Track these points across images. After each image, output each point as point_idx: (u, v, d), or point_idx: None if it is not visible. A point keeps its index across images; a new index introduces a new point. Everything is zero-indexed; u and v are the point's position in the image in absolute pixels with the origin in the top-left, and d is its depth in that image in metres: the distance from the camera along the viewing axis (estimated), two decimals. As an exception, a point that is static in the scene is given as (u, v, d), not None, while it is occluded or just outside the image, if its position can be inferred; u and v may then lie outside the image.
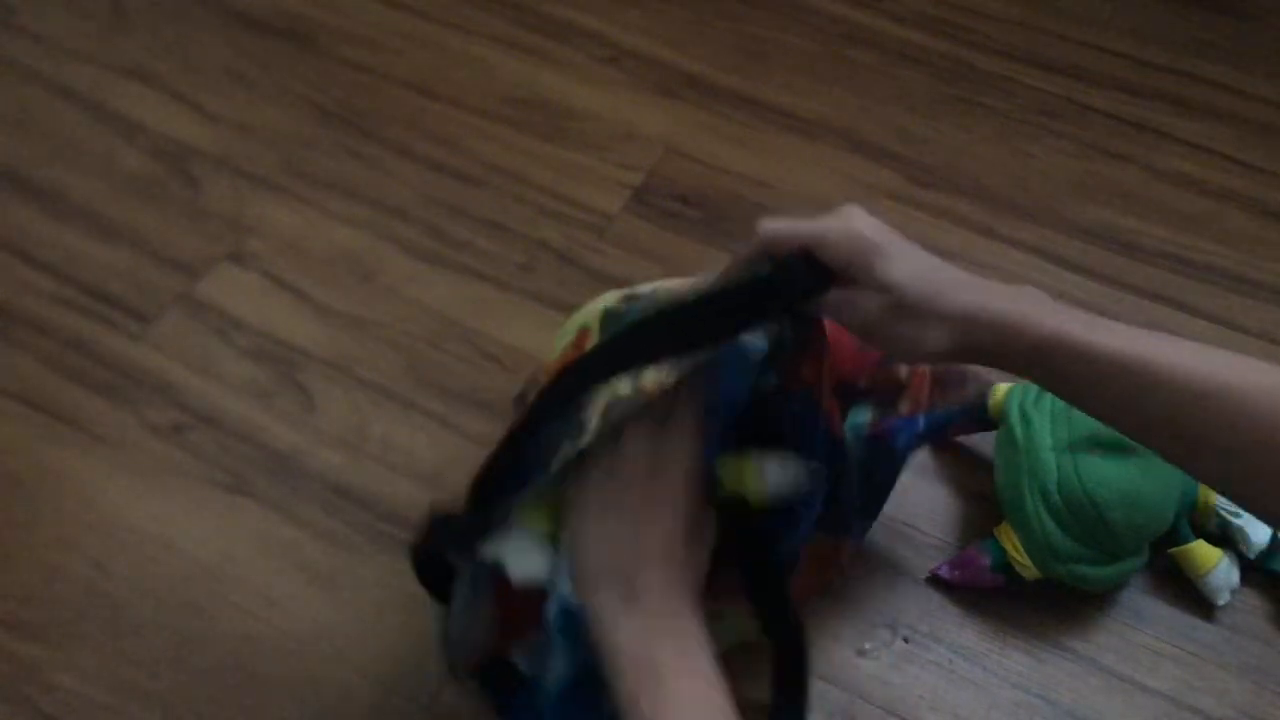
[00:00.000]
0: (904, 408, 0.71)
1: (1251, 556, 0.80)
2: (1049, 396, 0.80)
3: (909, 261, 0.52)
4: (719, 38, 1.22)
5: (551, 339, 0.92)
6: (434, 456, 0.86)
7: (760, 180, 1.08)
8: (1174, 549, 0.79)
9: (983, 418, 0.84)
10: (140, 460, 0.85)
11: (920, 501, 0.84)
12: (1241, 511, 0.80)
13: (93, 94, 1.12)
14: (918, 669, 0.77)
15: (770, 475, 0.59)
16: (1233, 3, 1.30)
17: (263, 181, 1.05)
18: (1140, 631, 0.79)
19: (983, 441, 0.87)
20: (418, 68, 1.16)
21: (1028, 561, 0.77)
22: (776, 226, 0.55)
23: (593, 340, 0.62)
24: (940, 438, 0.76)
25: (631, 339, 0.55)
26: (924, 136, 1.13)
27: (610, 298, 0.65)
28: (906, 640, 0.78)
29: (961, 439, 0.88)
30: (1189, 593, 0.80)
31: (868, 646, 0.77)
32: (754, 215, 1.04)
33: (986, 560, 0.78)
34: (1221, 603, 0.79)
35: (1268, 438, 0.46)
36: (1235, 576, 0.79)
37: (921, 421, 0.74)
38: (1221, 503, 0.81)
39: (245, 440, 0.86)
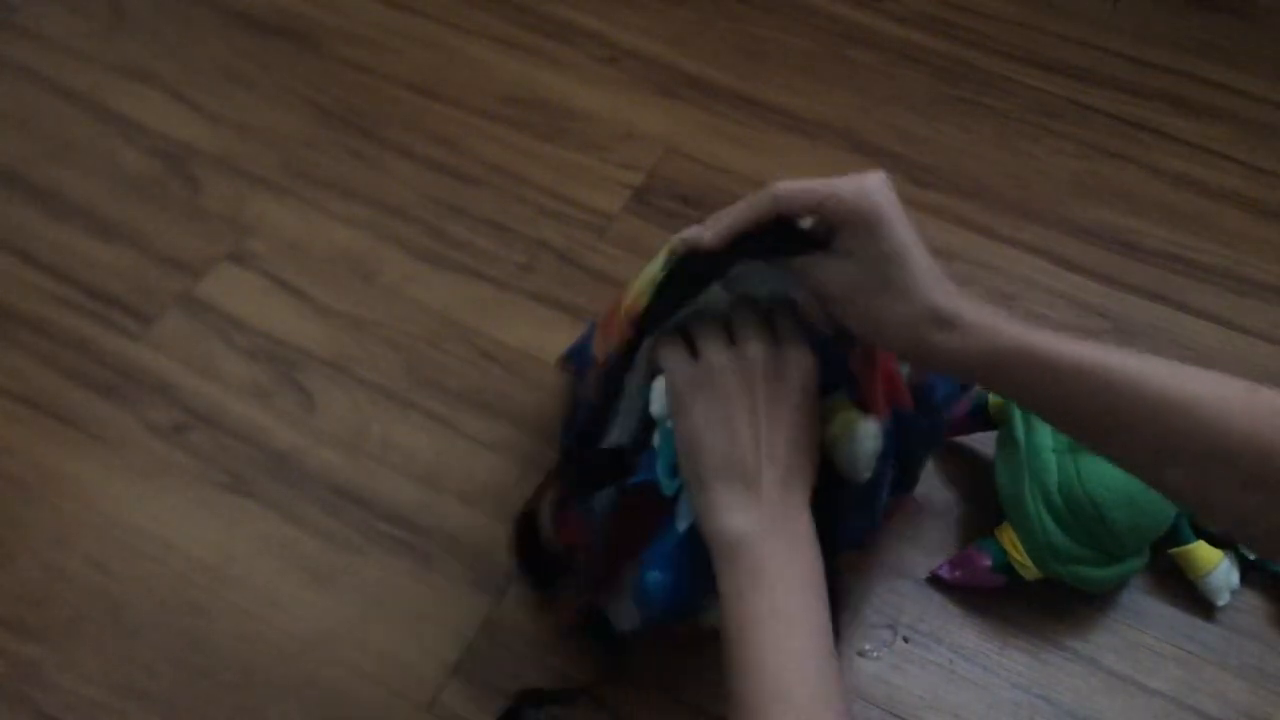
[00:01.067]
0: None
1: (1252, 557, 0.80)
2: None
3: (912, 237, 0.53)
4: (719, 38, 1.22)
5: (552, 339, 0.92)
6: (434, 456, 0.86)
7: (760, 180, 1.07)
8: (1174, 549, 0.79)
9: (983, 418, 0.84)
10: (140, 460, 0.85)
11: (921, 502, 0.84)
12: None
13: (93, 94, 1.12)
14: (918, 669, 0.77)
15: (866, 439, 0.60)
16: (1233, 3, 1.30)
17: (263, 181, 1.05)
18: (1140, 631, 0.79)
19: (983, 442, 0.87)
20: (418, 68, 1.16)
21: (1028, 561, 0.77)
22: (789, 185, 0.54)
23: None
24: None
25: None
26: (924, 136, 1.13)
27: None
28: (906, 640, 0.78)
29: (961, 439, 0.88)
30: (1189, 593, 0.80)
31: (868, 647, 0.77)
32: (754, 215, 1.05)
33: (987, 560, 0.78)
34: (1221, 603, 0.79)
35: (1237, 448, 0.45)
36: (1235, 577, 0.79)
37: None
38: None
39: (245, 440, 0.86)
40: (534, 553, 0.71)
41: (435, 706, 0.73)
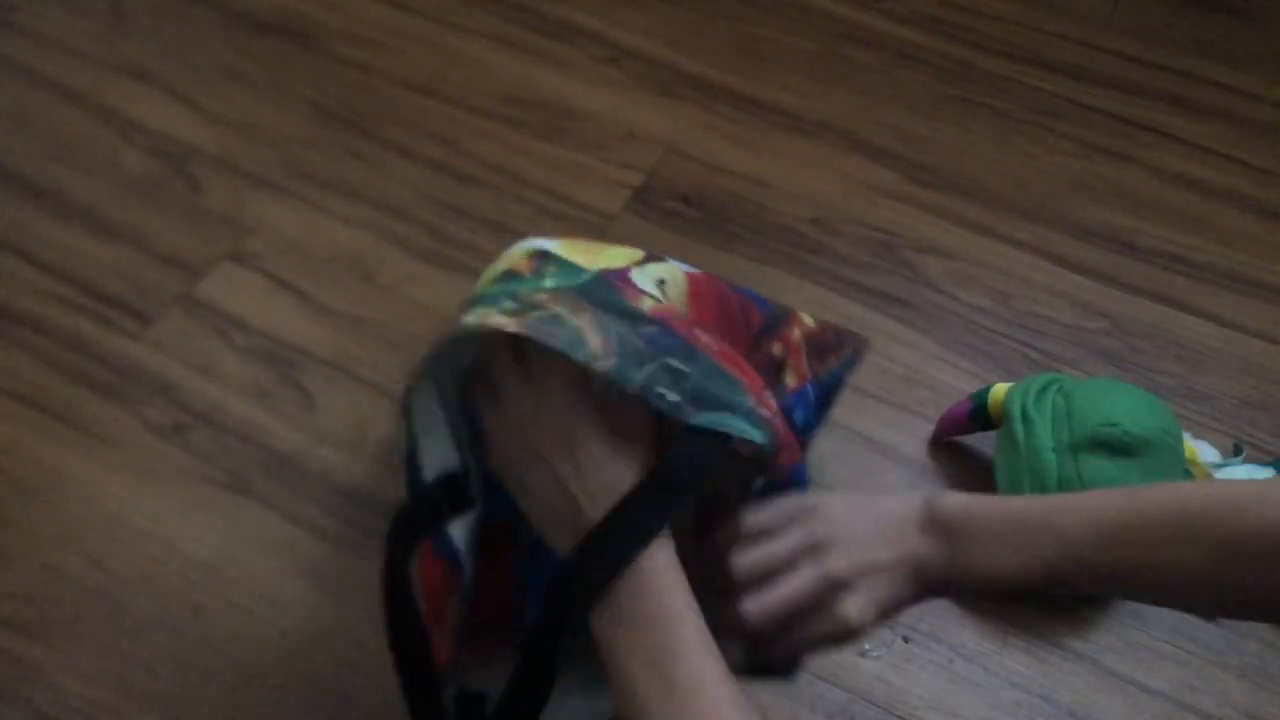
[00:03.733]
0: (790, 381, 0.68)
1: None
2: (1049, 395, 0.80)
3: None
4: (719, 38, 1.22)
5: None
6: (434, 456, 0.86)
7: (760, 180, 1.08)
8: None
9: (983, 417, 0.84)
10: (140, 460, 0.85)
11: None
12: None
13: (93, 94, 1.12)
14: (918, 669, 0.77)
15: None
16: (1233, 3, 1.30)
17: (263, 181, 1.05)
18: (1140, 631, 0.79)
19: (983, 442, 0.87)
20: (418, 68, 1.16)
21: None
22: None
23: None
24: (831, 404, 0.75)
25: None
26: (924, 136, 1.13)
27: (517, 254, 0.64)
28: (906, 640, 0.78)
29: (961, 439, 0.88)
30: (1189, 593, 0.80)
31: (867, 647, 0.77)
32: (754, 215, 1.05)
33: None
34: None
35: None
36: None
37: (810, 390, 0.71)
38: None
39: (245, 440, 0.86)
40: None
41: (435, 706, 0.73)
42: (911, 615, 0.79)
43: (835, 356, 0.72)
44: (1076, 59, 1.22)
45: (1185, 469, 0.78)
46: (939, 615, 0.79)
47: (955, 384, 0.91)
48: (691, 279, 0.65)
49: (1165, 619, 0.79)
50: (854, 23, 1.25)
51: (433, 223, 1.02)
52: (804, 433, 0.68)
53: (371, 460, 0.85)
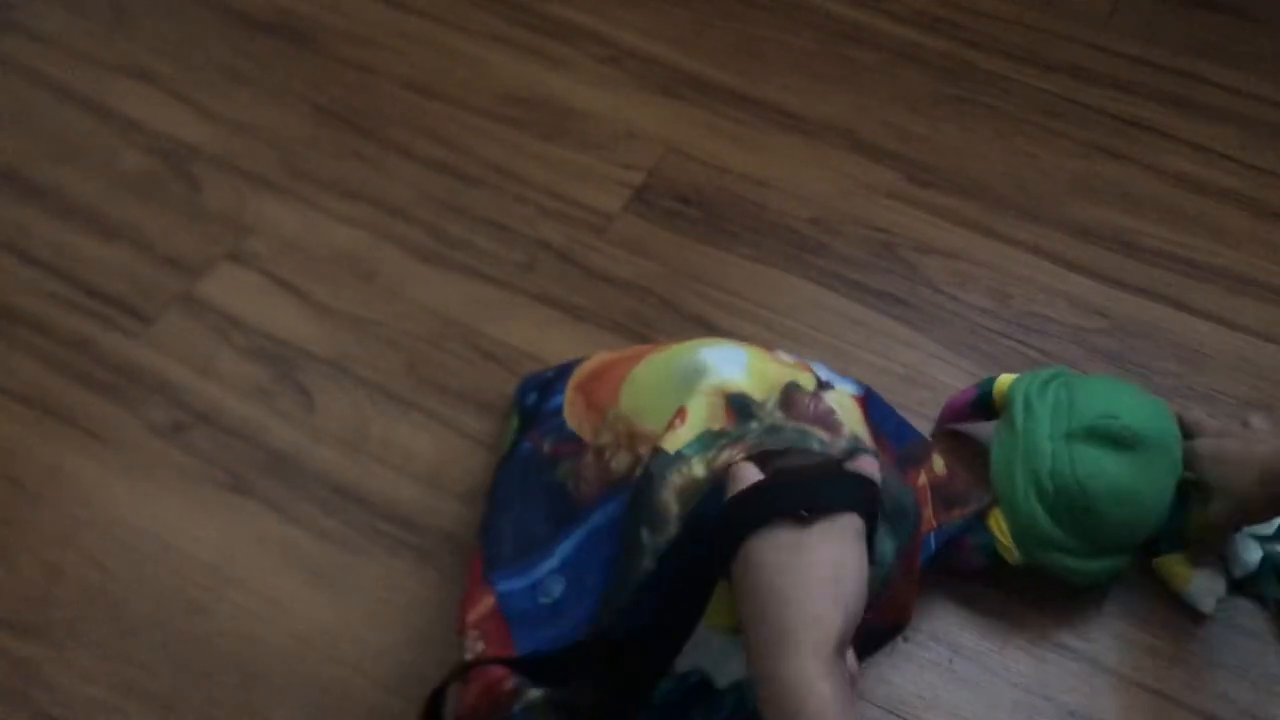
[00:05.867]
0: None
1: (1237, 576, 0.79)
2: (1053, 387, 0.80)
3: None
4: (719, 38, 1.22)
5: (552, 338, 0.92)
6: (434, 456, 0.86)
7: (760, 180, 1.08)
8: (1157, 558, 0.79)
9: (986, 406, 0.84)
10: (140, 460, 0.85)
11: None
12: (1232, 543, 0.80)
13: (93, 94, 1.12)
14: (918, 669, 0.77)
15: None
16: (1233, 3, 1.30)
17: (263, 181, 1.05)
18: (1140, 631, 0.79)
19: (987, 435, 0.87)
20: (418, 68, 1.16)
21: (1012, 546, 0.76)
22: None
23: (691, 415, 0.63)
24: (950, 553, 0.77)
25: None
26: (924, 136, 1.13)
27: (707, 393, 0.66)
28: (906, 639, 0.78)
29: (966, 428, 0.88)
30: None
31: (868, 646, 0.77)
32: (754, 215, 1.05)
33: (972, 543, 0.78)
34: (1208, 610, 0.78)
35: None
36: (1221, 585, 0.79)
37: (933, 540, 0.74)
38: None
39: (245, 440, 0.86)
40: None
41: (435, 706, 0.73)
42: (913, 615, 0.79)
43: (960, 512, 0.74)
44: (1076, 59, 1.22)
45: (1180, 475, 0.78)
46: (939, 615, 0.79)
47: (955, 384, 0.91)
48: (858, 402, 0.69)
49: (1165, 619, 0.79)
50: (854, 23, 1.25)
51: (433, 223, 1.02)
52: (918, 578, 0.70)
53: (371, 460, 0.85)
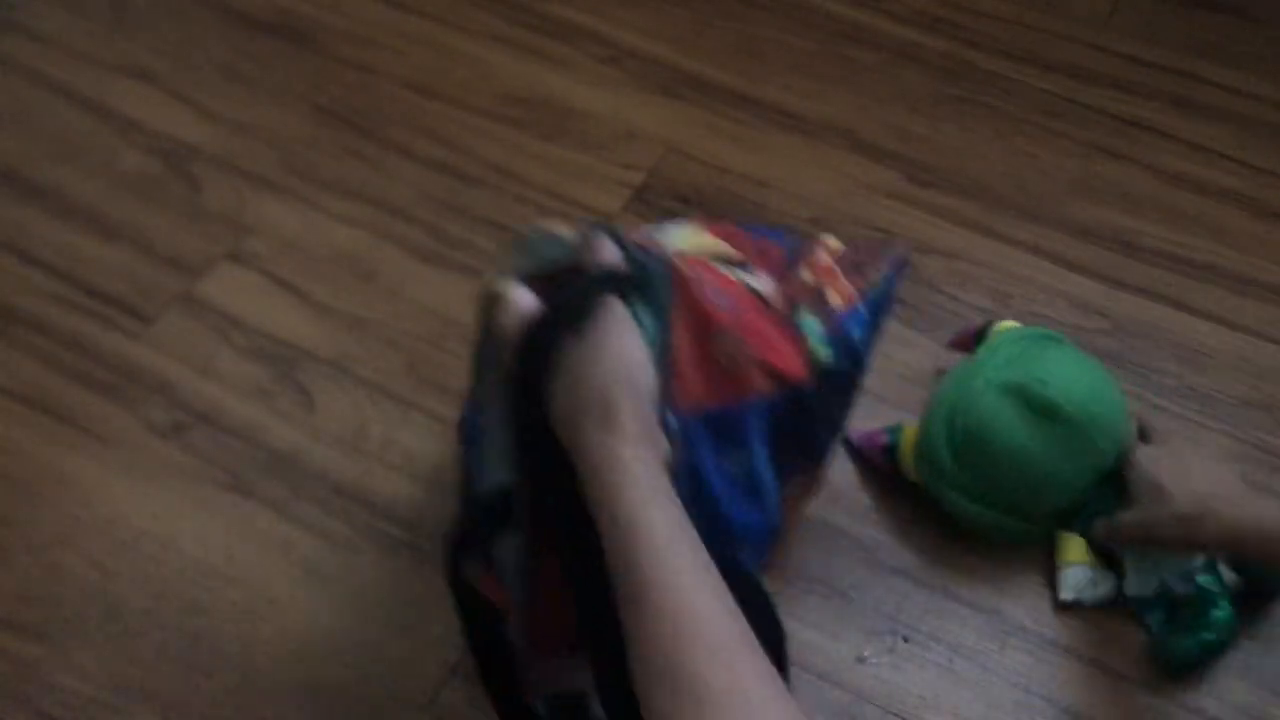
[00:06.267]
0: (837, 302, 0.68)
1: (1129, 593, 0.79)
2: (1028, 342, 0.82)
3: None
4: (719, 38, 1.22)
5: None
6: (434, 456, 0.86)
7: (760, 180, 1.08)
8: (1062, 531, 0.81)
9: (985, 339, 0.87)
10: (140, 460, 0.85)
11: (922, 500, 0.84)
12: (1141, 561, 0.78)
13: (93, 94, 1.12)
14: (917, 669, 0.77)
15: None
16: (1233, 3, 1.30)
17: (263, 181, 1.05)
18: (1140, 632, 0.79)
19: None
20: (418, 68, 1.16)
21: (912, 463, 0.81)
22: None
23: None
24: (886, 313, 0.75)
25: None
26: (924, 136, 1.13)
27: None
28: (906, 640, 0.78)
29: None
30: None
31: (867, 654, 0.77)
32: (754, 215, 1.05)
33: (884, 440, 0.83)
34: (1063, 598, 0.78)
35: None
36: (1099, 590, 0.79)
37: (863, 309, 0.70)
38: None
39: (245, 440, 0.86)
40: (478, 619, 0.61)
41: (434, 706, 0.73)
42: (912, 615, 0.79)
43: (874, 269, 0.72)
44: (1076, 59, 1.22)
45: (1108, 468, 0.79)
46: (939, 615, 0.79)
47: (955, 384, 0.91)
48: (711, 230, 0.68)
49: (1165, 619, 0.80)
50: (854, 23, 1.25)
51: (433, 223, 1.02)
52: (863, 348, 0.68)
53: (371, 460, 0.85)
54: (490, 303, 0.56)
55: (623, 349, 0.53)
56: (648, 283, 0.56)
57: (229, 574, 0.79)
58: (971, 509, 0.79)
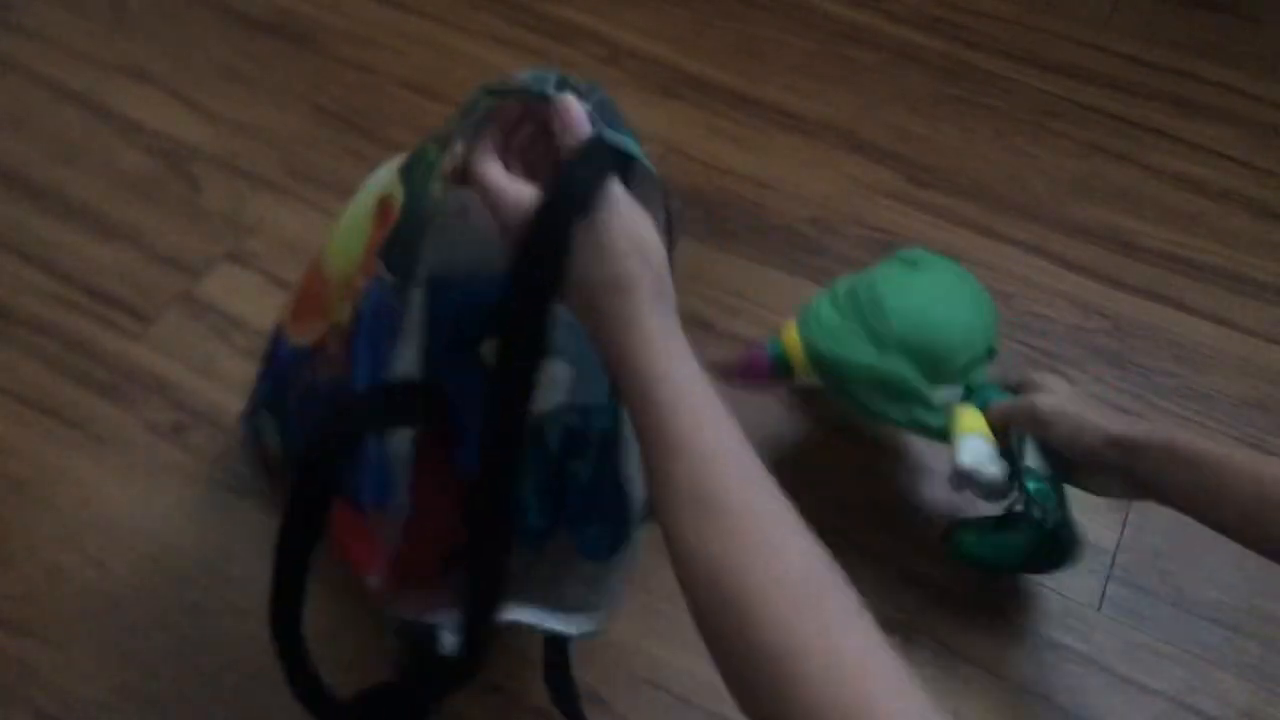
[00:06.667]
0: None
1: (1031, 487, 0.72)
2: (928, 265, 0.82)
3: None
4: (719, 38, 1.22)
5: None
6: (434, 456, 0.86)
7: (760, 180, 1.08)
8: (959, 404, 0.77)
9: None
10: (140, 460, 0.85)
11: (921, 500, 0.84)
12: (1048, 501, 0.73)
13: (93, 94, 1.12)
14: (917, 669, 0.76)
15: None
16: (1233, 3, 1.30)
17: (263, 181, 1.05)
18: (1140, 631, 0.79)
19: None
20: (418, 68, 1.16)
21: (804, 359, 0.78)
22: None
23: (398, 206, 0.59)
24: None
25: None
26: (924, 136, 1.13)
27: (394, 162, 0.64)
28: (907, 640, 0.78)
29: None
30: (1189, 592, 0.80)
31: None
32: (754, 215, 1.05)
33: (765, 355, 0.81)
34: (963, 461, 0.72)
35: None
36: (995, 470, 0.73)
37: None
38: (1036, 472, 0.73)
39: (245, 440, 0.86)
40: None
41: (434, 707, 0.73)
42: (911, 615, 0.79)
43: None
44: (1076, 59, 1.22)
45: (984, 323, 0.79)
46: (939, 615, 0.79)
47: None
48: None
49: (1165, 619, 0.80)
50: (854, 23, 1.25)
51: (433, 223, 1.02)
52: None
53: (371, 460, 0.85)
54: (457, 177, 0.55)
55: (634, 226, 0.56)
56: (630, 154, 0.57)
57: (229, 574, 0.79)
58: (881, 365, 0.75)
